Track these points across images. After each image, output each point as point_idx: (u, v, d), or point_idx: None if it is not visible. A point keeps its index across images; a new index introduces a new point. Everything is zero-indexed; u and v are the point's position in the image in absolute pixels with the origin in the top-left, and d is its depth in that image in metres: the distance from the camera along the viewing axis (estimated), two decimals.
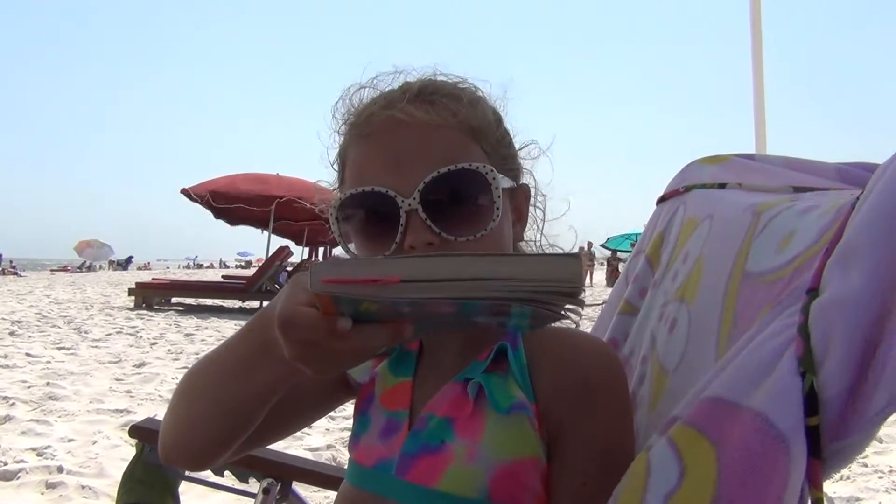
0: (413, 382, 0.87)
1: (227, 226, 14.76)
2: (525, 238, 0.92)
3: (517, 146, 0.90)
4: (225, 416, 0.79)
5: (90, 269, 46.51)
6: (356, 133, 0.83)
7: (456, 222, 0.77)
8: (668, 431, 0.57)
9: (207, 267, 65.80)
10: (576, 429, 0.77)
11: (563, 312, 0.62)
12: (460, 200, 0.78)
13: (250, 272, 18.18)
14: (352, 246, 0.82)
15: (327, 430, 4.03)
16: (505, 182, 0.81)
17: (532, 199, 0.92)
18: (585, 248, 27.64)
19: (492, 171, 0.78)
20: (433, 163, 0.77)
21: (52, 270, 42.27)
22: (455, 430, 0.79)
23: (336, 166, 0.87)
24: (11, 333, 7.82)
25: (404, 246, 0.77)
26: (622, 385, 0.82)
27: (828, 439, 0.47)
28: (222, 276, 19.71)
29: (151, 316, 10.62)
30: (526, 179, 0.91)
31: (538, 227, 0.94)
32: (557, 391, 0.79)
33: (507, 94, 0.89)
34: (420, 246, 0.76)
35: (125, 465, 1.47)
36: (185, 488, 1.47)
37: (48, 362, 6.03)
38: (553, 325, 0.91)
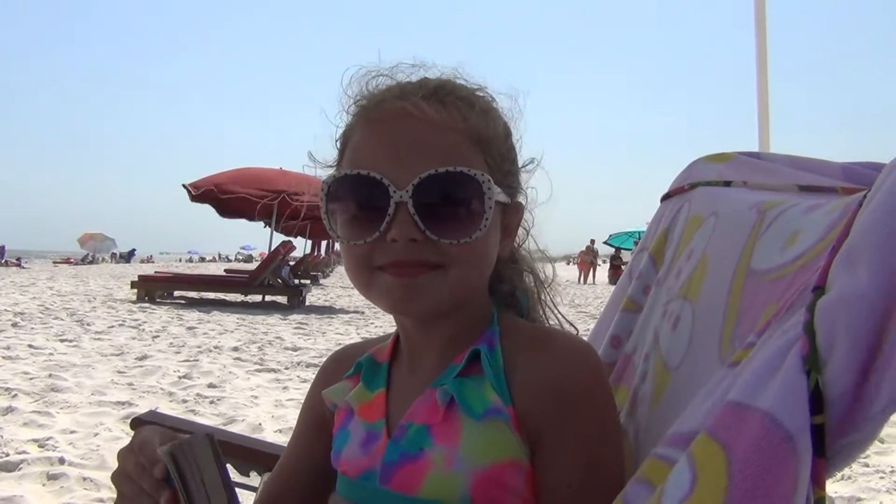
0: (387, 392, 0.87)
1: (230, 220, 14.78)
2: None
3: (521, 163, 0.89)
4: None
5: (93, 261, 46.57)
6: (364, 116, 0.83)
7: (443, 224, 0.76)
8: (690, 444, 0.57)
9: (210, 261, 65.90)
10: (555, 432, 0.77)
11: None
12: (452, 203, 0.77)
13: (252, 266, 18.21)
14: (336, 226, 0.81)
15: None
16: (500, 196, 0.81)
17: (523, 219, 0.91)
18: (588, 245, 27.66)
19: (489, 180, 0.78)
20: (433, 160, 0.76)
21: (54, 262, 42.31)
22: (433, 437, 0.78)
23: (338, 145, 0.87)
24: (14, 325, 7.83)
25: (387, 237, 0.76)
26: (601, 386, 0.81)
27: (832, 438, 0.47)
28: (225, 270, 19.74)
29: (154, 309, 10.63)
30: (522, 198, 0.90)
31: (521, 241, 0.93)
32: (534, 394, 0.78)
33: (521, 110, 0.88)
34: (403, 240, 0.75)
35: None
36: None
37: (50, 354, 6.04)
38: (534, 323, 0.92)
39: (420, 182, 0.75)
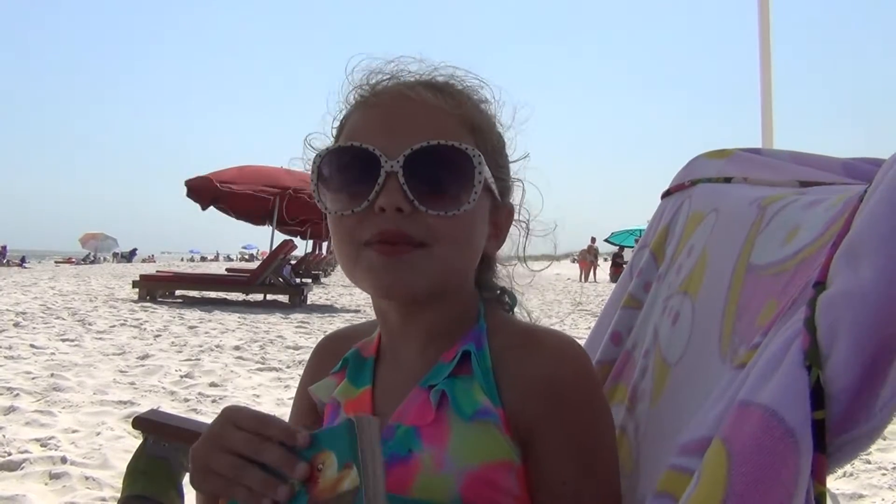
0: (373, 390, 0.87)
1: (231, 219, 14.76)
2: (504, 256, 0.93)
3: (511, 167, 0.90)
4: None
5: (94, 261, 46.58)
6: (362, 102, 0.85)
7: (432, 196, 0.77)
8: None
9: (211, 260, 65.95)
10: (546, 431, 0.77)
11: None
12: (442, 176, 0.78)
13: (254, 265, 18.21)
14: (325, 199, 0.81)
15: None
16: (490, 181, 0.82)
17: (516, 217, 0.92)
18: (590, 244, 27.64)
19: (479, 155, 0.79)
20: (426, 136, 0.78)
21: (56, 262, 42.31)
22: (421, 438, 0.78)
23: (335, 131, 0.88)
24: (16, 325, 7.83)
25: (375, 206, 0.76)
26: (590, 383, 0.81)
27: (834, 434, 0.47)
28: (226, 269, 19.74)
29: (155, 308, 10.63)
30: (513, 200, 0.91)
31: (519, 243, 0.94)
32: (523, 394, 0.78)
33: (515, 119, 0.90)
34: (391, 209, 0.76)
35: (129, 456, 1.47)
36: (188, 480, 1.48)
37: (52, 354, 6.04)
38: (522, 320, 0.92)
39: (411, 153, 0.76)
